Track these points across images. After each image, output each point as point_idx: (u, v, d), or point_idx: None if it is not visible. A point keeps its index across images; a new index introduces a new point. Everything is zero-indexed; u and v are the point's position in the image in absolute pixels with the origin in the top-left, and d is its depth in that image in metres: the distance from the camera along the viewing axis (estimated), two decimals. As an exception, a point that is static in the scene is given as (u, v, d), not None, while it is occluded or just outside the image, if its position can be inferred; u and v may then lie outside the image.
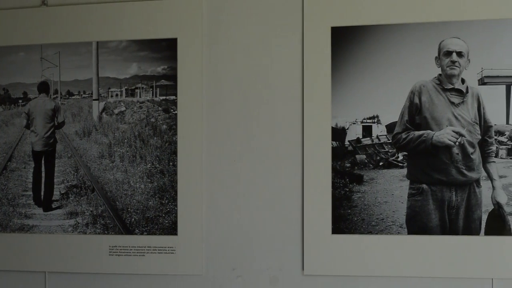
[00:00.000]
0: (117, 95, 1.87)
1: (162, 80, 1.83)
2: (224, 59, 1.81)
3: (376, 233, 1.72)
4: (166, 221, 1.81)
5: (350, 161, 1.76)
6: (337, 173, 1.74)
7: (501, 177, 1.70)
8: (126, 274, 1.83)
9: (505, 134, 1.72)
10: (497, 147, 1.72)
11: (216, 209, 1.80)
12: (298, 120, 1.76)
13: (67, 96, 1.90)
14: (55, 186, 1.89)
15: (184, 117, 1.80)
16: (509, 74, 1.68)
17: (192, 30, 1.80)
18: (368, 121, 1.75)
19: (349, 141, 1.76)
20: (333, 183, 1.74)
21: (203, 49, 1.81)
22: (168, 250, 1.80)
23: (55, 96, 1.91)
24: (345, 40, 1.74)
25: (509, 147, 1.73)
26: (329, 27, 1.75)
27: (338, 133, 1.75)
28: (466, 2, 1.70)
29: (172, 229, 1.80)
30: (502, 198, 1.68)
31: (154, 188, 1.82)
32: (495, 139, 1.72)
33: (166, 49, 1.82)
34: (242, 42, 1.81)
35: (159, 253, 1.80)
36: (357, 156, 1.77)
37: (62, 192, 1.88)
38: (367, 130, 1.76)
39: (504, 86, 1.70)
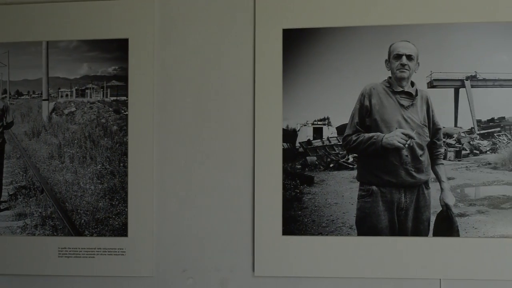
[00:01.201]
0: (67, 95, 1.79)
1: (113, 81, 1.76)
2: (176, 60, 1.74)
3: (327, 234, 1.67)
4: (116, 223, 1.73)
5: (301, 163, 1.71)
6: (288, 174, 1.69)
7: (449, 179, 1.67)
8: (76, 276, 1.75)
9: (454, 137, 1.70)
10: (445, 149, 1.70)
11: (167, 210, 1.73)
12: (249, 121, 1.70)
13: (16, 96, 1.80)
14: (3, 187, 1.79)
15: (135, 118, 1.73)
16: (458, 77, 1.66)
17: (144, 31, 1.72)
18: (319, 123, 1.70)
19: (300, 142, 1.72)
20: (284, 184, 1.68)
21: (155, 50, 1.73)
22: (118, 251, 1.72)
23: (3, 96, 1.81)
24: (297, 42, 1.69)
25: (457, 149, 1.70)
26: (281, 29, 1.70)
27: (289, 135, 1.70)
28: (416, 6, 1.66)
29: (122, 231, 1.72)
30: (450, 200, 1.65)
31: (104, 189, 1.75)
32: (444, 142, 1.69)
33: (117, 49, 1.74)
34: (194, 43, 1.74)
35: (109, 254, 1.73)
36: (307, 157, 1.72)
37: (10, 193, 1.79)
38: (317, 132, 1.72)
39: (453, 89, 1.67)
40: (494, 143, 1.67)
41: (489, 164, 1.67)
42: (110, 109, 1.77)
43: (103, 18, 1.75)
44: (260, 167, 1.69)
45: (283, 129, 1.70)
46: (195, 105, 1.74)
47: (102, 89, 1.78)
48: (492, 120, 1.66)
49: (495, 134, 1.67)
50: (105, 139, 1.76)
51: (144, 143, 1.73)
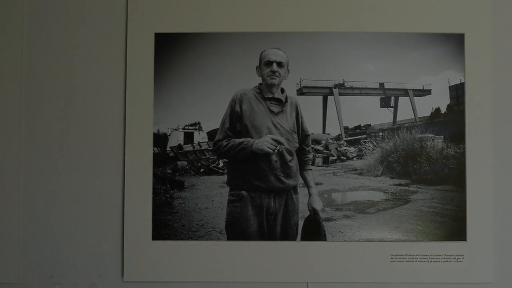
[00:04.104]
0: None
1: (-21, 82, 1.62)
2: (45, 61, 1.58)
3: (196, 239, 1.56)
4: (-20, 228, 1.59)
5: (172, 167, 1.60)
6: (158, 179, 1.58)
7: (317, 184, 1.60)
8: None
9: (322, 143, 1.63)
10: (314, 155, 1.63)
11: (34, 214, 1.57)
12: (120, 125, 1.57)
13: None
14: None
15: (1, 121, 1.56)
16: (326, 85, 1.59)
17: (12, 31, 1.56)
18: (190, 127, 1.60)
19: (170, 147, 1.61)
20: (154, 189, 1.56)
21: (23, 51, 1.57)
22: (-18, 257, 1.58)
23: None
24: (169, 47, 1.57)
25: (325, 155, 1.64)
26: (153, 33, 1.58)
27: (160, 139, 1.58)
28: (287, 14, 1.58)
29: (-14, 236, 1.58)
30: (318, 205, 1.58)
31: (-32, 193, 1.59)
32: (312, 148, 1.63)
33: (-17, 49, 1.59)
34: (65, 45, 1.58)
35: (-28, 261, 1.58)
36: (178, 162, 1.62)
37: None
38: (188, 137, 1.61)
39: (321, 96, 1.61)
40: (360, 150, 1.62)
41: (355, 170, 1.61)
42: (-25, 111, 1.61)
43: (-31, 17, 1.60)
44: (130, 171, 1.57)
45: (154, 133, 1.57)
46: (64, 108, 1.58)
47: (-34, 90, 1.62)
48: (358, 127, 1.60)
49: (361, 141, 1.61)
50: (-30, 141, 1.61)
51: (10, 146, 1.56)
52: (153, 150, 1.57)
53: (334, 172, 1.61)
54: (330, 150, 1.62)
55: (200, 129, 1.59)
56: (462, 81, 1.57)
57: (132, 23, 1.58)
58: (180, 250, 1.56)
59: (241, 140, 1.56)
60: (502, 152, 1.57)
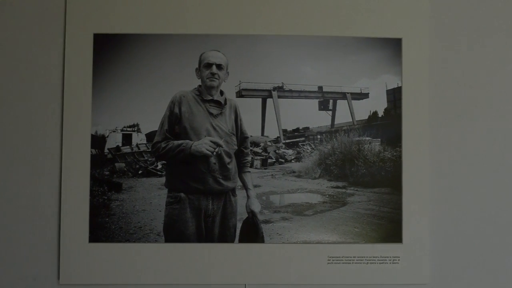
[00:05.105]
0: None
1: None
2: (-19, 61, 1.57)
3: (134, 241, 1.53)
4: None
5: (109, 169, 1.57)
6: (95, 181, 1.55)
7: (255, 186, 1.59)
8: None
9: (260, 146, 1.62)
10: (252, 158, 1.63)
11: (-33, 217, 1.55)
12: (57, 126, 1.53)
13: None
14: None
15: None
16: (265, 87, 1.59)
17: None
18: (128, 129, 1.57)
19: (108, 149, 1.58)
20: (91, 191, 1.53)
21: (-42, 50, 1.56)
22: None
23: None
24: (108, 48, 1.54)
25: (264, 157, 1.63)
26: (92, 33, 1.56)
27: (97, 141, 1.55)
28: (226, 16, 1.57)
29: None
30: (256, 207, 1.57)
31: None
32: (251, 150, 1.62)
33: None
34: (1, 44, 1.55)
35: None
36: (116, 164, 1.59)
37: None
38: (127, 138, 1.59)
39: (260, 99, 1.60)
40: (298, 152, 1.61)
41: (294, 172, 1.60)
42: None
43: None
44: (68, 173, 1.54)
45: (92, 134, 1.54)
46: (0, 108, 1.56)
47: None
48: (297, 130, 1.59)
49: (299, 144, 1.60)
50: None
51: None
52: (91, 151, 1.54)
53: (272, 175, 1.60)
54: (269, 153, 1.61)
55: (138, 130, 1.56)
56: (399, 85, 1.57)
57: (71, 23, 1.55)
58: (118, 252, 1.54)
59: (179, 142, 1.54)
60: (438, 155, 1.58)
